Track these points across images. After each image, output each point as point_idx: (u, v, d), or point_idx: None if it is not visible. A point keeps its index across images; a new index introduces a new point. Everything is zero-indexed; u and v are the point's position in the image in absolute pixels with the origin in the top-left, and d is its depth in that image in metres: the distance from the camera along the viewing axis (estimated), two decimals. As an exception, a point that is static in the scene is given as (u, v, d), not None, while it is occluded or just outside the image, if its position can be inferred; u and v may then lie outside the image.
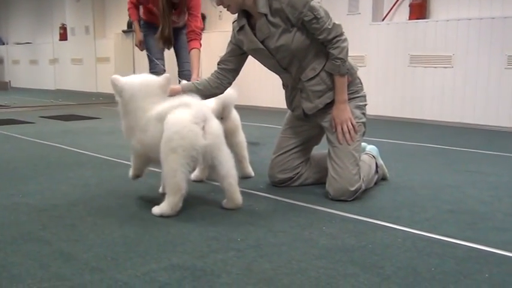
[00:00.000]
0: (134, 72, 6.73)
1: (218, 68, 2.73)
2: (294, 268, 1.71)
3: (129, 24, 8.43)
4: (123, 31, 8.58)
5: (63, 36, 11.40)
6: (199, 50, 4.21)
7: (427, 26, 5.72)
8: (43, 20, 12.17)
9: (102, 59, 10.13)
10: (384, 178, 2.92)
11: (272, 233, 2.06)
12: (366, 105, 2.71)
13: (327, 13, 2.52)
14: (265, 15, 2.49)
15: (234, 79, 2.73)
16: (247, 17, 2.60)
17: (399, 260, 1.78)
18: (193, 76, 4.08)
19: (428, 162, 3.56)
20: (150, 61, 4.53)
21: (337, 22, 2.54)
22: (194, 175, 2.81)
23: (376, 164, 2.80)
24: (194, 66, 4.16)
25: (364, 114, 2.67)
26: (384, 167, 2.91)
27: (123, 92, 2.36)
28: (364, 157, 2.75)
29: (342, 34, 2.54)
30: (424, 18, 5.87)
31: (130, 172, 2.57)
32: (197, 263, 1.74)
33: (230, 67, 2.70)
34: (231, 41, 2.71)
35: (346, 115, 2.57)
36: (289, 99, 2.78)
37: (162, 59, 4.49)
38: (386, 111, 6.05)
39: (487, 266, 1.74)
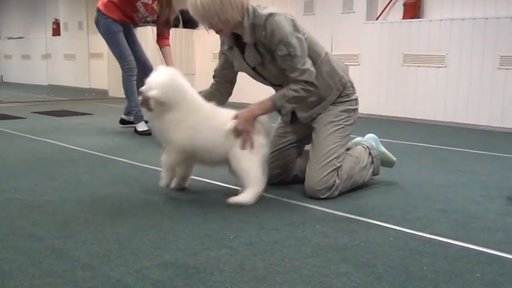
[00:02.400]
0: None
1: (214, 80, 2.74)
2: (286, 266, 1.71)
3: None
4: (117, 27, 8.56)
5: (56, 31, 11.32)
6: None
7: (421, 26, 5.74)
8: (36, 15, 12.08)
9: (96, 54, 10.07)
10: (389, 166, 2.94)
11: (265, 230, 2.06)
12: (356, 109, 2.70)
13: (303, 52, 2.45)
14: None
15: (232, 88, 2.76)
16: (236, 38, 2.55)
17: (391, 259, 1.79)
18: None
19: (421, 161, 3.57)
20: (121, 58, 4.68)
21: (312, 68, 2.46)
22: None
23: (371, 154, 2.77)
24: (170, 61, 4.70)
25: (350, 117, 2.66)
26: (388, 153, 2.90)
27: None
28: (356, 149, 2.74)
29: (312, 84, 2.46)
30: (417, 17, 5.88)
31: (163, 181, 2.53)
32: (190, 260, 1.74)
33: (226, 79, 2.72)
34: (221, 52, 2.69)
35: (248, 126, 2.43)
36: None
37: (131, 55, 4.70)
38: (379, 110, 6.07)
39: (478, 265, 1.75)
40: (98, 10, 4.63)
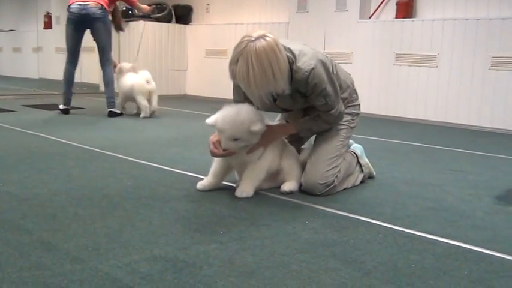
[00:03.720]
0: (119, 62, 6.78)
1: None
2: (276, 261, 1.71)
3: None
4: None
5: (48, 25, 11.23)
6: None
7: (413, 25, 5.76)
8: (27, 8, 11.97)
9: (87, 48, 9.98)
10: (370, 176, 2.94)
11: (255, 226, 2.06)
12: (358, 113, 2.76)
13: (337, 95, 2.51)
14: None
15: None
16: None
17: (380, 256, 1.80)
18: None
19: (411, 160, 3.59)
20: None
21: (342, 108, 2.56)
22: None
23: (360, 163, 2.81)
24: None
25: (353, 120, 2.73)
26: (370, 165, 2.93)
27: None
28: (347, 155, 2.77)
29: (338, 123, 2.61)
30: (410, 17, 5.91)
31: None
32: (179, 254, 1.74)
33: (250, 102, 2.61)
34: (237, 87, 2.57)
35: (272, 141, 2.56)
36: (286, 115, 2.83)
37: None
38: (370, 108, 6.08)
39: (466, 263, 1.76)
40: (104, 8, 5.13)
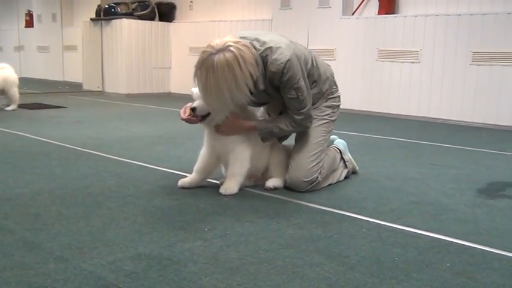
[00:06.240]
0: (102, 62, 6.75)
1: None
2: (260, 257, 1.72)
3: (98, 13, 8.28)
4: (91, 19, 8.43)
5: (29, 23, 11.10)
6: None
7: (396, 21, 5.80)
8: (8, 6, 11.81)
9: (70, 47, 9.92)
10: (353, 172, 2.96)
11: (239, 222, 2.07)
12: (339, 105, 2.76)
13: (308, 93, 2.49)
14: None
15: None
16: None
17: (364, 250, 1.81)
18: None
19: (394, 155, 3.62)
20: None
21: (311, 111, 2.52)
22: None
23: (344, 158, 2.82)
24: None
25: (334, 113, 2.72)
26: (353, 160, 2.94)
27: None
28: (330, 150, 2.79)
29: (307, 127, 2.56)
30: (392, 13, 5.94)
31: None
32: (164, 252, 1.74)
33: None
34: None
35: (234, 132, 2.51)
36: (266, 107, 2.81)
37: None
38: (353, 104, 6.11)
39: (448, 255, 1.79)
40: None
